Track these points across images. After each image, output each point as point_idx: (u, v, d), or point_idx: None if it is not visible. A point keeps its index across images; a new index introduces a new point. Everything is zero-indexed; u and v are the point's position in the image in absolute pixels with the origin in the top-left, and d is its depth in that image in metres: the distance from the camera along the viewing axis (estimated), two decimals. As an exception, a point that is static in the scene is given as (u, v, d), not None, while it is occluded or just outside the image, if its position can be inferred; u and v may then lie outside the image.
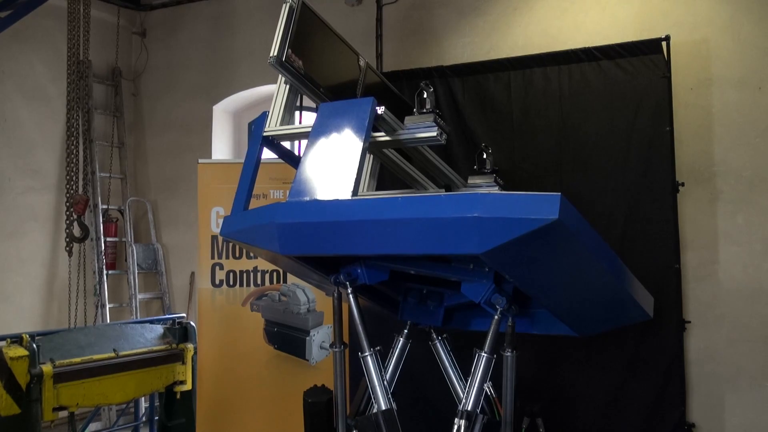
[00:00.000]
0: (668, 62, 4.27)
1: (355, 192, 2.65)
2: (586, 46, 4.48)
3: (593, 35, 4.64)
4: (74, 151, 5.04)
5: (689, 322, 4.30)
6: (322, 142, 2.91)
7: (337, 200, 2.64)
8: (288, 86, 3.28)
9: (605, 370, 4.33)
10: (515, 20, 5.01)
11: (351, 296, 3.01)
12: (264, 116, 3.30)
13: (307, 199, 2.76)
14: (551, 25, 4.87)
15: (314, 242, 2.85)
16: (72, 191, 4.95)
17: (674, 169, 4.25)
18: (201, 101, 6.48)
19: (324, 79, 3.34)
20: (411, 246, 2.62)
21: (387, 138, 3.06)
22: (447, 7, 5.28)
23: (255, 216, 3.11)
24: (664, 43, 4.28)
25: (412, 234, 2.51)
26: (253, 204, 4.62)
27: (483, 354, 2.93)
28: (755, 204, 4.27)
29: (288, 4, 3.19)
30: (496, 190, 3.60)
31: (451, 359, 3.37)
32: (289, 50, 3.08)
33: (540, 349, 4.42)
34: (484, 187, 3.62)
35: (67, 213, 5.02)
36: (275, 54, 3.07)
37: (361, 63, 3.61)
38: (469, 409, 2.89)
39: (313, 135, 2.95)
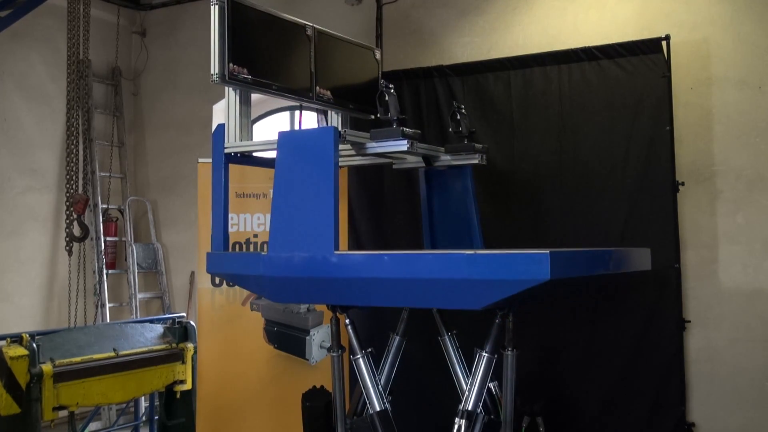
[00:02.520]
0: (668, 61, 4.26)
1: (336, 246, 2.66)
2: (586, 45, 4.47)
3: (593, 34, 4.63)
4: (74, 151, 5.04)
5: (689, 321, 4.30)
6: (292, 187, 2.86)
7: (322, 256, 2.66)
8: (238, 95, 3.20)
9: (605, 370, 4.33)
10: (515, 19, 5.00)
11: (349, 327, 3.09)
12: (221, 130, 3.23)
13: (290, 253, 2.77)
14: (551, 25, 4.87)
15: (304, 293, 2.92)
16: (72, 191, 4.94)
17: (674, 169, 4.25)
18: (201, 100, 6.46)
19: (274, 73, 3.22)
20: (401, 301, 2.72)
21: (353, 152, 3.04)
22: (447, 6, 5.27)
23: (242, 263, 3.16)
24: (664, 43, 4.27)
25: (401, 291, 2.56)
26: (254, 203, 4.66)
27: (484, 354, 2.94)
28: (755, 204, 4.27)
29: (216, 6, 3.02)
30: (476, 159, 3.54)
31: (459, 356, 3.36)
32: (231, 64, 2.98)
33: (540, 348, 4.42)
34: (463, 155, 3.57)
35: (67, 212, 5.01)
36: (217, 72, 2.97)
37: (309, 33, 3.48)
38: (469, 408, 2.89)
39: (278, 177, 2.92)
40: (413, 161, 3.71)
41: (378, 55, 3.99)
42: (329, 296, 2.84)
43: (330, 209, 2.68)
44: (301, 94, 3.37)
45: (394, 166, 3.82)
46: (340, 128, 3.75)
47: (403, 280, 2.48)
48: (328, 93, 3.44)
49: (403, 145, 2.85)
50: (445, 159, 3.63)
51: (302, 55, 3.42)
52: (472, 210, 3.65)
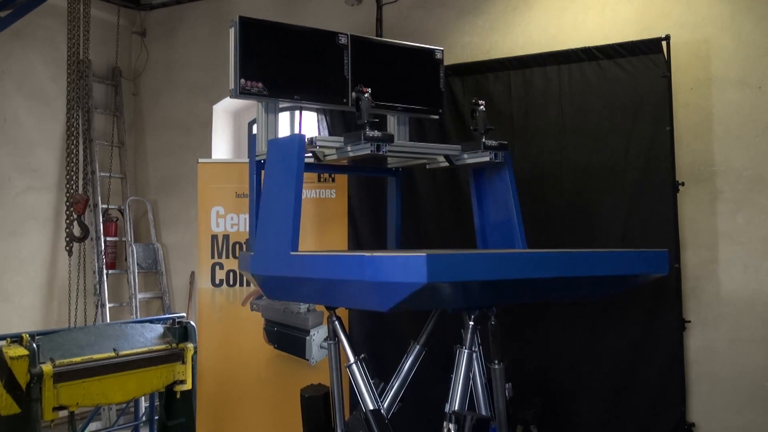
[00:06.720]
0: (668, 62, 4.26)
1: (294, 247, 2.84)
2: (586, 45, 4.47)
3: (593, 34, 4.63)
4: (74, 151, 5.04)
5: (689, 321, 4.30)
6: (270, 190, 3.09)
7: (283, 256, 2.85)
8: (263, 107, 3.33)
9: (605, 370, 4.33)
10: (515, 20, 5.01)
11: (336, 322, 3.19)
12: (254, 140, 3.40)
13: (266, 252, 2.98)
14: (551, 25, 4.87)
15: (283, 291, 3.11)
16: (72, 191, 4.94)
17: (674, 169, 4.25)
18: (201, 101, 6.47)
19: (298, 83, 3.35)
20: (328, 300, 2.88)
21: (335, 156, 3.18)
22: (447, 6, 5.28)
23: (243, 262, 3.43)
24: (664, 43, 4.27)
25: (325, 291, 2.71)
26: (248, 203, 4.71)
27: (464, 351, 2.91)
28: (755, 204, 4.27)
29: (231, 28, 3.19)
30: (486, 157, 3.49)
31: (481, 366, 3.28)
32: (242, 80, 3.15)
33: (539, 349, 4.43)
34: (479, 153, 3.52)
35: (67, 212, 5.01)
36: (231, 87, 3.16)
37: (342, 41, 3.50)
38: (456, 409, 2.85)
39: (264, 180, 3.14)
40: (442, 161, 3.73)
41: (439, 55, 3.96)
42: (295, 294, 3.07)
43: (290, 211, 2.86)
44: (332, 101, 3.41)
45: (428, 166, 3.87)
46: (394, 132, 3.82)
47: (323, 280, 2.61)
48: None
49: (366, 147, 2.96)
50: (463, 157, 3.62)
51: (332, 66, 3.48)
52: (512, 210, 3.58)
